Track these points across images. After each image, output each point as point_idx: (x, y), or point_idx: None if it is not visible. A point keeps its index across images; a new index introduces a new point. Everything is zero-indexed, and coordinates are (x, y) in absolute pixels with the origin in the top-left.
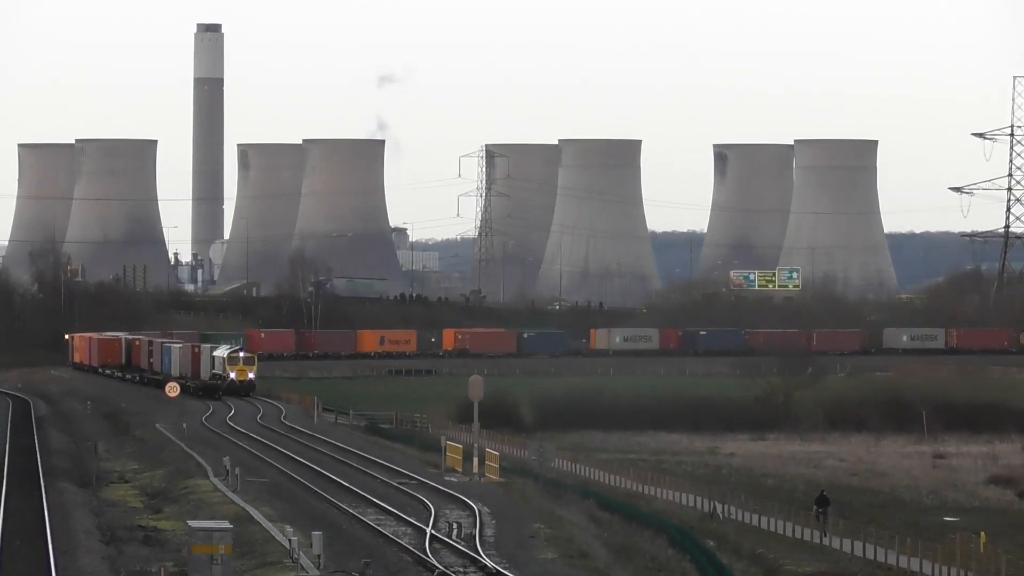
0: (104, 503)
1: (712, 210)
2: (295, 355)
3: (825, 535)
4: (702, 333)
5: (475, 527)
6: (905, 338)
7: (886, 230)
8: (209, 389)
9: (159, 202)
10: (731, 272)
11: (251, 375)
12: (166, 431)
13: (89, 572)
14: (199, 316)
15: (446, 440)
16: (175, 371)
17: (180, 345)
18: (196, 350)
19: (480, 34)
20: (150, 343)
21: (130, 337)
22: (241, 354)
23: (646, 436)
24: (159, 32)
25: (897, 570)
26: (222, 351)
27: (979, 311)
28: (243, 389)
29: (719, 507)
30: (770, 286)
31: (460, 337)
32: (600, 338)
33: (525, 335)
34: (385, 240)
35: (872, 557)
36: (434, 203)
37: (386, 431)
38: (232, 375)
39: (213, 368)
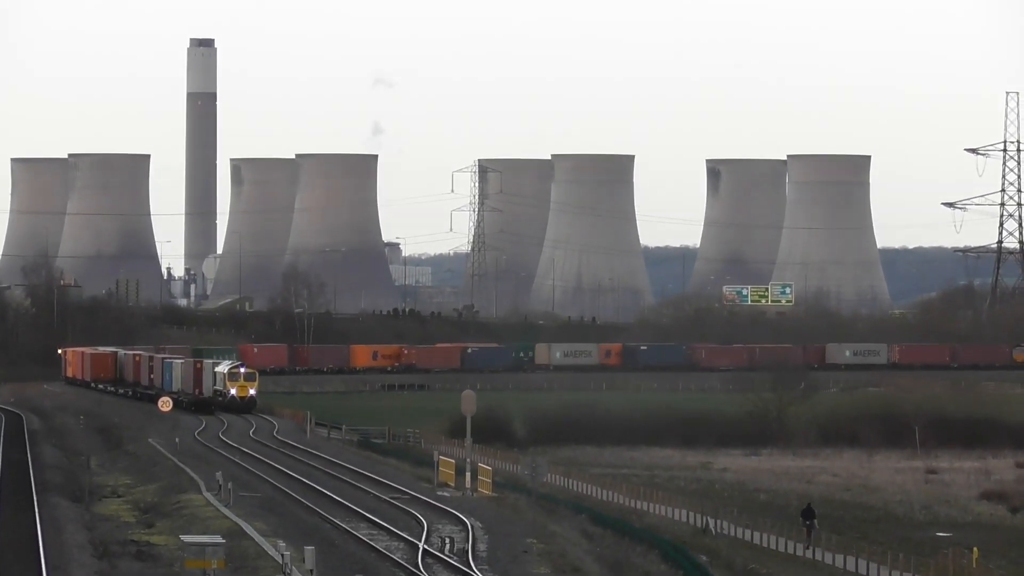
0: (97, 518)
1: (705, 225)
2: (288, 370)
3: (809, 547)
4: (642, 348)
5: (468, 542)
6: (848, 353)
7: (879, 245)
8: (202, 404)
9: (152, 216)
10: (724, 287)
11: (252, 391)
12: (159, 446)
13: None
14: (192, 331)
15: (439, 455)
16: (176, 386)
17: (182, 361)
18: (199, 365)
19: (473, 49)
20: (151, 359)
21: (130, 352)
22: (242, 370)
23: (639, 451)
24: (152, 47)
25: None
26: (223, 367)
27: (972, 326)
28: (244, 406)
29: (712, 522)
30: (763, 301)
31: (406, 352)
32: (541, 353)
33: (468, 350)
34: (378, 255)
35: (865, 572)
36: (427, 218)
37: (379, 446)
38: (232, 391)
39: (214, 384)
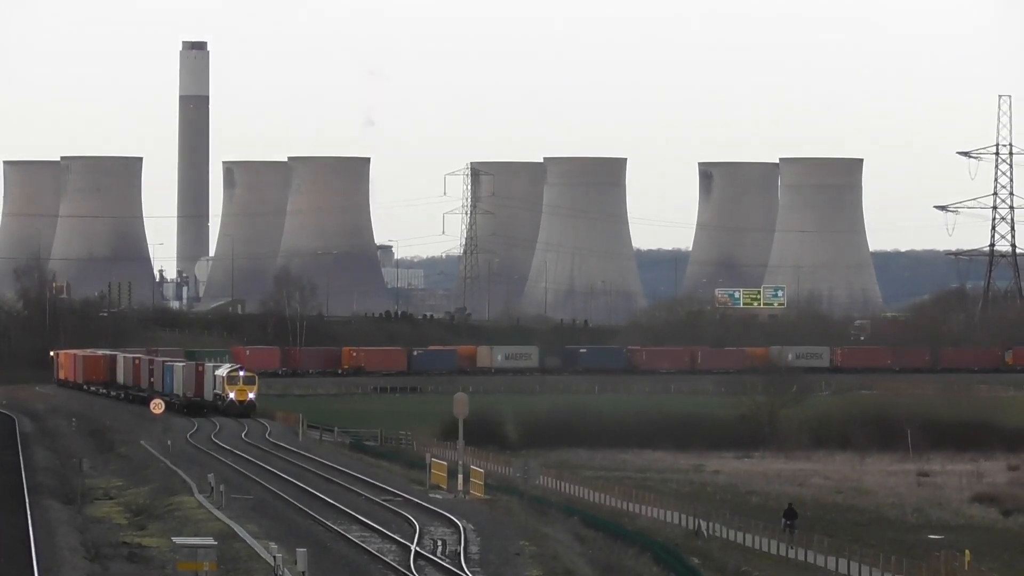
0: (89, 520)
1: (697, 228)
2: (280, 372)
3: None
4: (582, 351)
5: (460, 544)
6: (791, 356)
7: (871, 248)
8: (195, 406)
9: (144, 219)
10: (716, 290)
11: (251, 395)
12: (151, 448)
13: None
14: (184, 333)
15: (431, 457)
16: (178, 390)
17: (184, 364)
18: (200, 369)
19: (465, 52)
20: (151, 362)
21: (130, 355)
22: (241, 373)
23: (631, 454)
24: (145, 50)
25: None
26: (222, 370)
27: (964, 329)
28: (243, 410)
29: (704, 525)
30: (755, 304)
31: (355, 355)
32: (483, 356)
33: (415, 353)
34: (370, 258)
35: (857, 575)
36: (419, 221)
37: (371, 448)
38: (231, 395)
39: (214, 388)
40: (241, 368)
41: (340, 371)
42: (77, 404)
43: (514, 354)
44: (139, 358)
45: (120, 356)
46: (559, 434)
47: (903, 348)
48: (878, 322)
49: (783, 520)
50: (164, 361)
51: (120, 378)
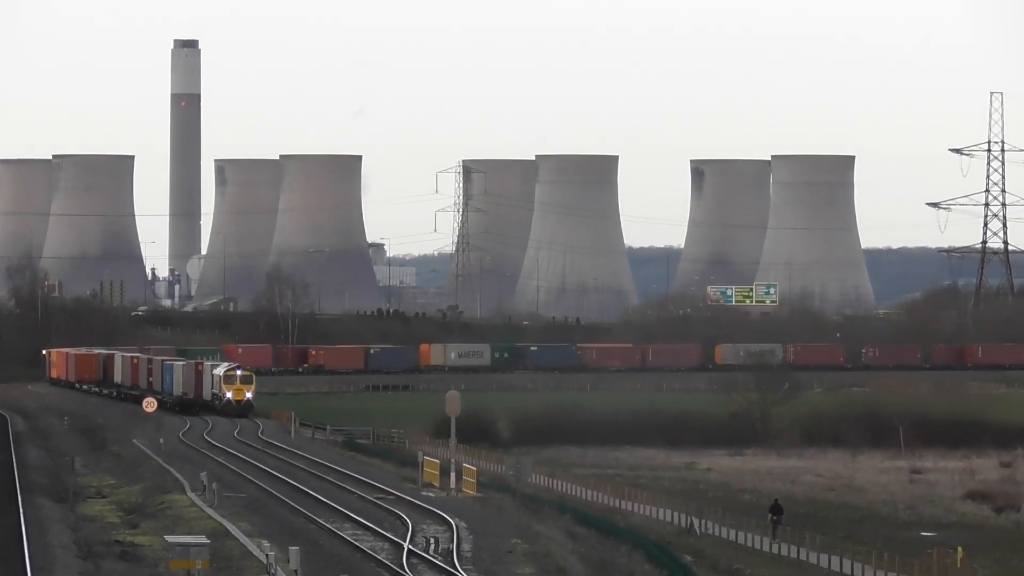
0: (81, 518)
1: (689, 226)
2: (272, 370)
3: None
4: (533, 348)
5: (453, 542)
6: (742, 353)
7: (863, 246)
8: (187, 405)
9: (136, 218)
10: (708, 287)
11: (248, 395)
12: (143, 446)
13: None
14: (176, 332)
15: (423, 455)
16: (177, 389)
17: (183, 363)
18: (199, 368)
19: (457, 51)
20: (149, 361)
21: (128, 354)
22: (238, 372)
23: (623, 451)
24: (136, 48)
25: None
26: (219, 369)
27: (956, 327)
28: (240, 410)
29: (696, 522)
30: (747, 301)
31: (314, 353)
32: (436, 354)
33: (372, 351)
34: (362, 255)
35: (849, 572)
36: (411, 219)
37: (363, 446)
38: (228, 395)
39: (211, 387)
40: (239, 367)
41: (300, 369)
42: (70, 403)
43: (467, 352)
44: (137, 357)
45: (117, 355)
46: (551, 432)
47: (894, 346)
48: (870, 319)
49: (770, 516)
50: (163, 360)
51: (117, 377)
